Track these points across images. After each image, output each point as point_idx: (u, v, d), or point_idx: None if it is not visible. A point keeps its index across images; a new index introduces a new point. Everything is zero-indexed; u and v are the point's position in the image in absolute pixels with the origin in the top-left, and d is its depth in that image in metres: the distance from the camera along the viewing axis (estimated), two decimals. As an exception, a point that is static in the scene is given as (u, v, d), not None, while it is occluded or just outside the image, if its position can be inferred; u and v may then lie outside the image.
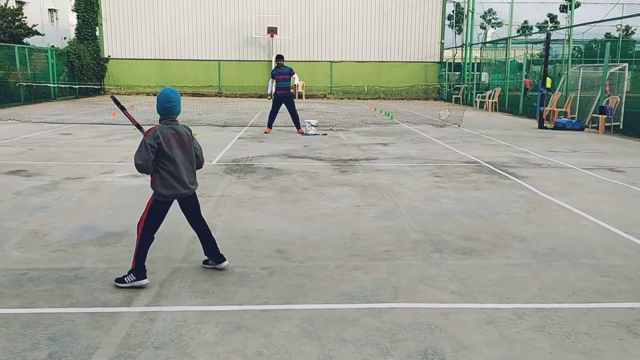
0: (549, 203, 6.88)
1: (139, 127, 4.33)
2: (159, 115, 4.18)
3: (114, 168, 8.79)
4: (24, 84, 23.34)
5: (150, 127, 4.14)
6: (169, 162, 4.04)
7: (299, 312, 3.71)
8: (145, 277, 4.08)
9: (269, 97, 14.57)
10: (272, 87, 14.16)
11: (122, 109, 4.46)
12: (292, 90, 14.16)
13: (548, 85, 16.22)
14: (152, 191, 4.17)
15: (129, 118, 4.42)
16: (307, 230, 5.58)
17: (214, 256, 4.44)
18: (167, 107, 4.11)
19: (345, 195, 7.14)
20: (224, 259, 4.44)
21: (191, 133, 4.27)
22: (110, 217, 5.97)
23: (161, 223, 4.25)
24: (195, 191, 4.35)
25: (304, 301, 3.89)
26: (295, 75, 13.98)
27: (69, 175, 8.19)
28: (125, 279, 4.07)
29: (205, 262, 4.51)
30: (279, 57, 14.20)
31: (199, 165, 4.33)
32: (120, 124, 15.32)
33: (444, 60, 32.95)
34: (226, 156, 10.14)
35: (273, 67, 14.97)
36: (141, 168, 3.99)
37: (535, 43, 36.41)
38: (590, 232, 5.69)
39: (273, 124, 14.10)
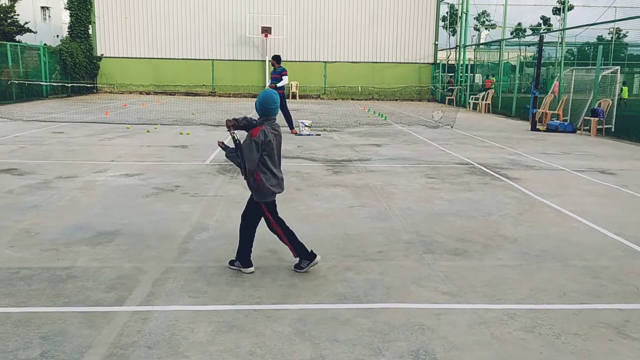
0: (540, 205, 6.93)
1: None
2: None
3: (106, 167, 8.76)
4: (16, 81, 23.21)
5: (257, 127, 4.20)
6: (273, 161, 4.25)
7: (292, 311, 3.72)
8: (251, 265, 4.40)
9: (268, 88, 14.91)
10: (269, 85, 14.50)
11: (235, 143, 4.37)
12: (270, 87, 14.34)
13: (625, 95, 16.16)
14: (255, 192, 4.31)
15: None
16: (300, 231, 5.55)
17: (302, 253, 4.48)
18: (270, 109, 4.28)
19: (338, 195, 7.16)
20: (315, 255, 4.50)
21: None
22: (103, 216, 5.95)
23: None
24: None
25: (297, 301, 3.90)
26: (284, 77, 13.98)
27: (61, 174, 8.15)
28: (302, 265, 4.41)
29: (231, 262, 4.53)
30: (273, 57, 14.35)
31: None
32: (113, 123, 15.27)
33: (438, 61, 33.05)
34: (219, 156, 10.13)
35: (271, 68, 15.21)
36: (252, 164, 4.15)
37: (529, 45, 36.62)
38: (581, 233, 5.74)
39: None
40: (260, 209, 4.37)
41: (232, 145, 4.33)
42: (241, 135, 4.17)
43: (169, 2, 31.14)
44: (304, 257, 4.42)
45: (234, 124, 4.25)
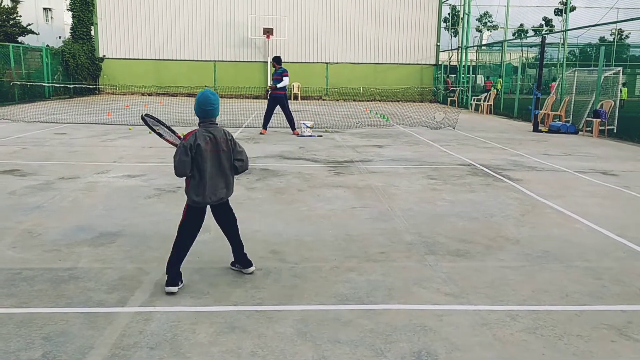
0: (542, 206, 6.92)
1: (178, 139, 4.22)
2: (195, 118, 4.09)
3: (108, 168, 8.78)
4: (18, 83, 23.25)
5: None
6: (204, 167, 3.96)
7: (294, 312, 3.72)
8: (176, 285, 3.98)
9: (265, 92, 14.88)
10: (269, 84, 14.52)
11: (159, 127, 4.29)
12: (268, 89, 14.31)
13: (624, 96, 16.37)
14: (186, 196, 4.14)
15: (166, 140, 4.28)
16: (302, 232, 5.59)
17: (242, 260, 4.42)
18: (208, 110, 4.01)
19: (340, 196, 7.16)
20: (251, 264, 4.42)
21: (233, 139, 4.15)
22: (105, 217, 5.96)
23: (199, 228, 4.21)
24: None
25: (299, 302, 3.90)
26: (284, 78, 13.93)
27: (63, 175, 8.17)
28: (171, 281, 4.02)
29: (232, 263, 4.51)
30: (274, 59, 14.31)
31: (242, 168, 4.21)
32: (115, 124, 15.29)
33: (440, 62, 33.04)
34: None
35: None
36: (179, 170, 3.94)
37: (531, 46, 36.61)
38: (583, 235, 5.73)
39: (268, 125, 14.13)
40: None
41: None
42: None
43: (171, 3, 31.16)
44: (169, 280, 4.01)
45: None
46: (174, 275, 4.03)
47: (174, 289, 3.98)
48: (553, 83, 17.65)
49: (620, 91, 17.77)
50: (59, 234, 5.33)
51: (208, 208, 4.28)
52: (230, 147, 4.09)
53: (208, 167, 3.98)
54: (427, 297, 4.04)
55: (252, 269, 4.41)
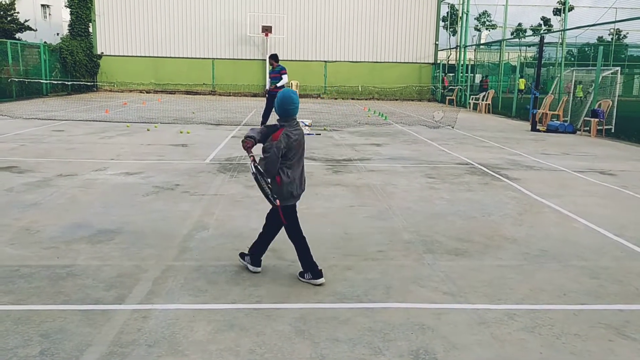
0: (540, 205, 6.93)
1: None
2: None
3: (106, 165, 8.76)
4: (16, 79, 23.19)
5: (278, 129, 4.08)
6: (295, 164, 4.15)
7: (292, 311, 3.72)
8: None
9: (265, 91, 14.74)
10: (268, 85, 14.34)
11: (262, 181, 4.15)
12: (272, 89, 14.02)
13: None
14: (276, 194, 4.11)
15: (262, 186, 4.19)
16: (300, 230, 5.58)
17: (312, 269, 4.24)
18: (290, 110, 4.16)
19: (338, 195, 7.16)
20: (321, 275, 4.21)
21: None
22: (103, 214, 5.95)
23: (299, 223, 4.35)
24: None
25: (297, 300, 3.90)
26: (284, 75, 13.86)
27: (61, 172, 8.15)
28: (304, 275, 4.23)
29: (300, 274, 4.31)
30: (271, 57, 14.17)
31: None
32: (113, 121, 15.26)
33: (438, 61, 33.05)
34: (219, 155, 10.13)
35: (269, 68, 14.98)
36: (271, 171, 4.04)
37: (529, 46, 36.63)
38: (581, 234, 5.74)
39: (267, 123, 14.10)
40: (277, 211, 4.25)
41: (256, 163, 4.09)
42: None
43: (170, 0, 31.11)
44: (311, 271, 4.22)
45: (251, 144, 4.06)
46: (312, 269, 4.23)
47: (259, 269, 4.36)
48: (569, 83, 17.70)
49: (575, 88, 18.03)
50: (57, 231, 5.32)
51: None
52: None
53: (299, 164, 4.21)
54: (425, 295, 4.05)
55: (321, 280, 4.20)
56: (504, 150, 11.89)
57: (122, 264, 4.49)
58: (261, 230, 4.47)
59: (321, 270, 4.22)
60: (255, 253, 4.44)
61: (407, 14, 32.22)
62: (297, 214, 4.41)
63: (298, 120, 4.31)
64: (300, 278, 4.26)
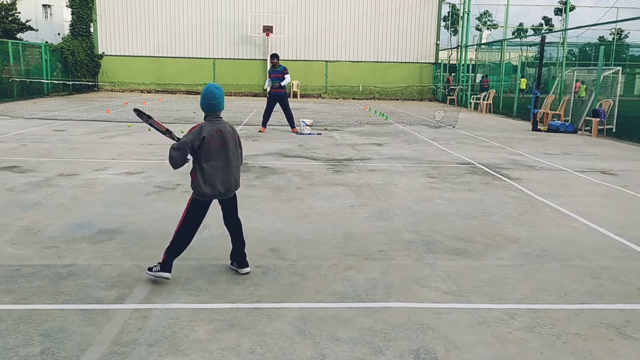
0: (541, 205, 6.92)
1: (168, 132, 4.23)
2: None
3: (107, 165, 8.77)
4: (17, 79, 23.21)
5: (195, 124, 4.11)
6: (210, 160, 4.00)
7: (293, 310, 3.72)
8: (169, 272, 4.07)
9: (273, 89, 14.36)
10: (268, 84, 13.96)
11: (148, 118, 4.29)
12: (274, 91, 13.92)
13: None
14: (192, 190, 4.13)
15: (156, 128, 4.29)
16: (301, 230, 5.59)
17: (238, 260, 4.36)
18: (212, 104, 4.06)
19: (339, 195, 7.16)
20: (246, 265, 4.35)
21: (237, 133, 4.24)
22: (104, 214, 5.95)
23: (200, 224, 4.20)
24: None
25: (298, 300, 3.90)
26: (286, 75, 13.84)
27: (62, 171, 8.16)
28: (153, 268, 4.11)
29: (231, 263, 4.44)
30: (273, 56, 14.04)
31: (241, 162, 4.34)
32: (114, 121, 15.27)
33: (439, 61, 33.03)
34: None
35: (269, 67, 14.84)
36: (174, 162, 3.97)
37: (530, 45, 36.62)
38: (582, 234, 5.74)
39: (268, 123, 14.09)
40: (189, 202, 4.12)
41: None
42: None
43: (171, 0, 31.11)
44: (163, 266, 4.07)
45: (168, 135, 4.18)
46: (169, 262, 4.07)
47: (168, 275, 4.06)
48: (578, 83, 17.71)
49: (519, 82, 18.11)
50: (58, 230, 5.33)
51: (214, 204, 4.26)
52: (237, 140, 4.20)
53: (215, 160, 4.02)
54: (426, 295, 4.05)
55: (247, 269, 4.34)
56: (505, 150, 11.89)
57: (122, 264, 4.49)
58: (229, 234, 4.39)
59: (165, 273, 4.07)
60: (238, 257, 4.36)
61: (408, 14, 32.19)
62: (205, 216, 4.21)
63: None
64: (147, 272, 4.11)
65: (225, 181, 4.10)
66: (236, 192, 4.35)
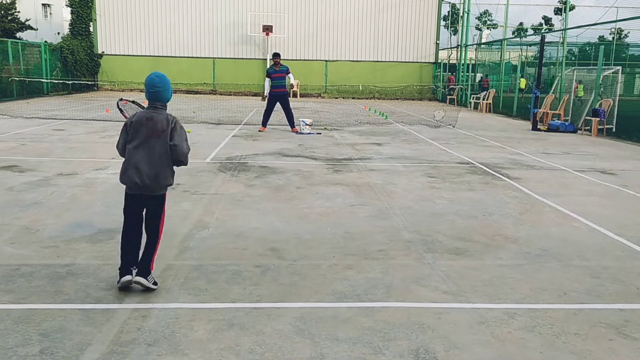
0: (541, 204, 6.92)
1: (135, 103, 4.27)
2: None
3: (107, 164, 8.76)
4: (17, 79, 23.19)
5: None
6: (133, 147, 3.83)
7: (292, 310, 3.72)
8: (123, 275, 3.87)
9: (264, 98, 14.26)
10: (268, 86, 13.75)
11: (133, 102, 4.31)
12: (288, 90, 14.07)
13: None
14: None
15: (128, 106, 4.30)
16: (301, 229, 5.59)
17: (141, 266, 3.92)
18: (151, 92, 3.93)
19: (339, 194, 7.16)
20: (146, 275, 3.89)
21: (175, 126, 3.90)
22: (103, 213, 5.95)
23: (136, 220, 3.93)
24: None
25: (297, 299, 3.90)
26: (290, 75, 13.89)
27: (61, 171, 8.15)
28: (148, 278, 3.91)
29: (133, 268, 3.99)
30: (276, 55, 13.95)
31: (175, 160, 3.92)
32: (114, 120, 15.26)
33: (439, 60, 33.02)
34: (220, 154, 10.13)
35: (268, 65, 14.78)
36: (117, 149, 3.99)
37: (530, 45, 36.61)
38: (582, 233, 5.73)
39: (268, 123, 14.07)
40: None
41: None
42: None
43: (170, 0, 31.09)
44: (120, 272, 3.91)
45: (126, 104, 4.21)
46: (121, 263, 3.92)
47: (125, 278, 3.84)
48: (576, 83, 17.73)
49: (519, 81, 18.13)
50: (57, 230, 5.32)
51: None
52: (167, 134, 3.85)
53: (137, 149, 3.82)
54: (425, 295, 4.05)
55: (139, 279, 3.84)
56: (504, 149, 11.88)
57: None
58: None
59: (122, 279, 3.88)
60: (139, 262, 3.97)
61: (408, 13, 32.19)
62: (141, 213, 3.98)
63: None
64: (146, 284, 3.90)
65: (142, 172, 3.80)
66: (165, 197, 4.08)
